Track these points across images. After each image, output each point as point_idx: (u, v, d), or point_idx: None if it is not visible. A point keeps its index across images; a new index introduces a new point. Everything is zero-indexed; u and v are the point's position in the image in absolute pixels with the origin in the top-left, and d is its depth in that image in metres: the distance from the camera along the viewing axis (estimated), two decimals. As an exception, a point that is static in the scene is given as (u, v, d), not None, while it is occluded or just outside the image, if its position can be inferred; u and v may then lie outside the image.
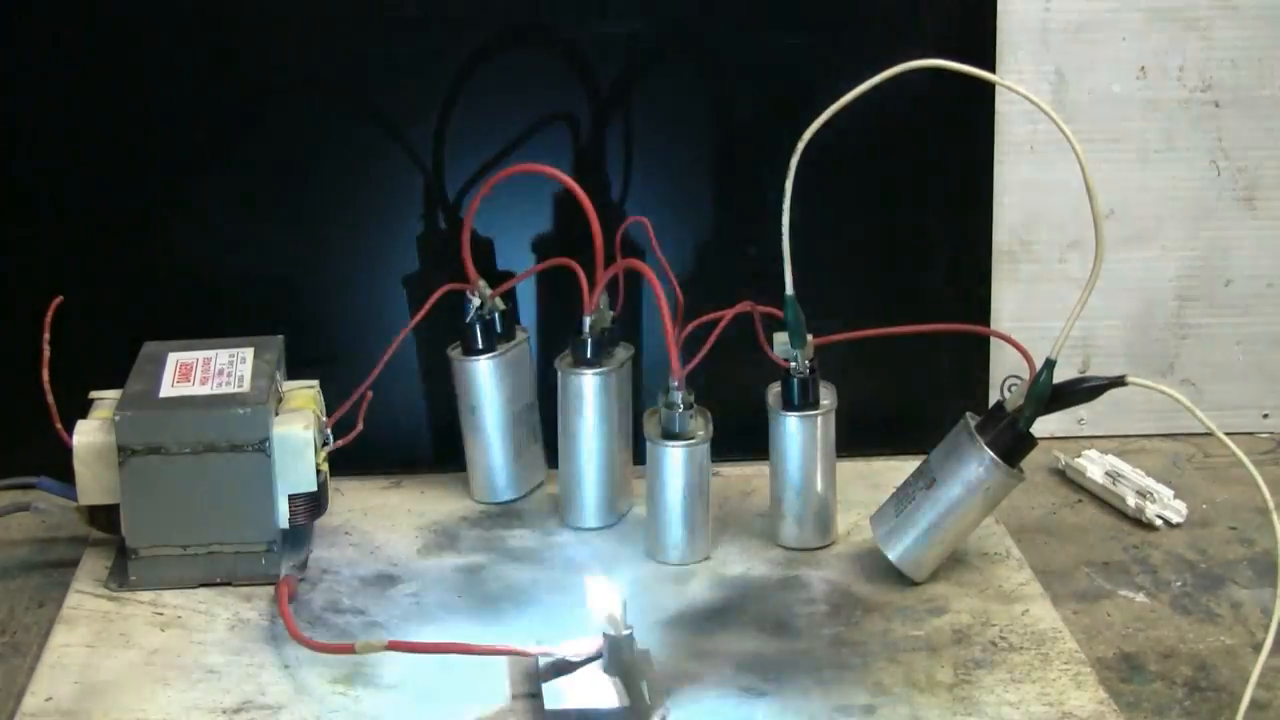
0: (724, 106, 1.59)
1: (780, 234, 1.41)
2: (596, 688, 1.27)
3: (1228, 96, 1.65)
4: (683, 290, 1.50)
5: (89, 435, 1.43)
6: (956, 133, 1.62)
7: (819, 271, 1.48)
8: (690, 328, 1.48)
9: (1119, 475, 1.60)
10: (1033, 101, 1.37)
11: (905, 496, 1.44)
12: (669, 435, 1.47)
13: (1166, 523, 1.56)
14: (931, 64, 1.38)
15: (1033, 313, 1.67)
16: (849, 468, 1.55)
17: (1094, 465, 1.62)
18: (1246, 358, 1.71)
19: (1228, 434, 1.33)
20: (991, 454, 1.40)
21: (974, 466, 1.41)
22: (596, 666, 1.29)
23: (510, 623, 1.40)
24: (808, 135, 1.38)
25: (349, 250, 1.61)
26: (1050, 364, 1.39)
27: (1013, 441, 1.41)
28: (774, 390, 1.50)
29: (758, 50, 1.58)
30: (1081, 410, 1.65)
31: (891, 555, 1.44)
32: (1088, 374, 1.62)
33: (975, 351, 1.65)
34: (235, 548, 1.44)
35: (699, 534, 1.49)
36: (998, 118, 1.62)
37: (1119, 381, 1.40)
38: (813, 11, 1.58)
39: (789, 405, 1.48)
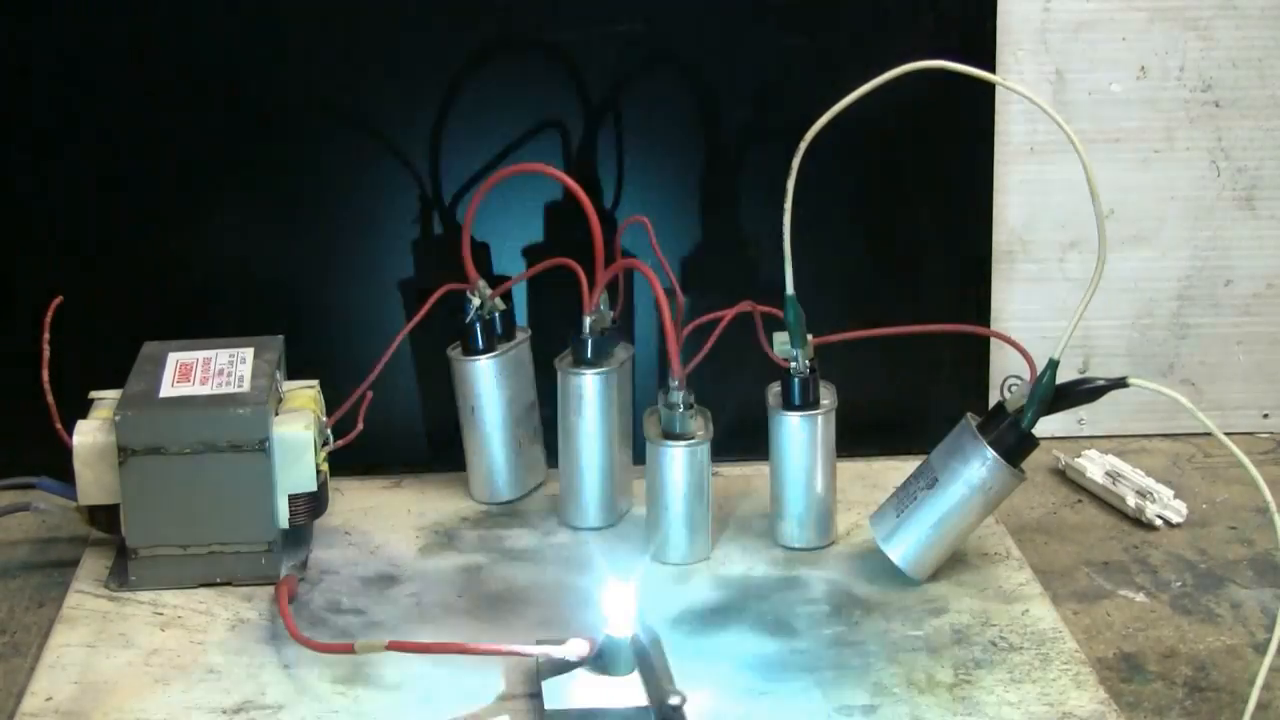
0: (724, 106, 1.59)
1: (781, 233, 1.41)
2: (596, 688, 1.27)
3: (1228, 96, 1.65)
4: (683, 290, 1.50)
5: (89, 435, 1.43)
6: (956, 132, 1.62)
7: (819, 271, 1.48)
8: (690, 328, 1.48)
9: (1119, 475, 1.60)
10: (1033, 100, 1.37)
11: (906, 496, 1.44)
12: (669, 435, 1.47)
13: (1166, 523, 1.56)
14: (934, 65, 1.38)
15: (1033, 313, 1.67)
16: (849, 468, 1.55)
17: (1094, 465, 1.62)
18: (1246, 358, 1.71)
19: (1228, 434, 1.33)
20: (994, 454, 1.40)
21: (977, 466, 1.41)
22: (596, 666, 1.29)
23: (510, 623, 1.40)
24: (810, 135, 1.39)
25: (349, 250, 1.61)
26: (1053, 364, 1.39)
27: (1015, 442, 1.41)
28: (774, 390, 1.49)
29: (757, 50, 1.58)
30: (1081, 410, 1.65)
31: (893, 555, 1.43)
32: (1088, 374, 1.62)
33: (975, 351, 1.65)
34: (235, 548, 1.44)
35: (699, 534, 1.49)
36: (998, 118, 1.62)
37: (1121, 383, 1.40)
38: (812, 11, 1.58)
39: (789, 405, 1.48)
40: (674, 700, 1.23)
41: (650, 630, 1.30)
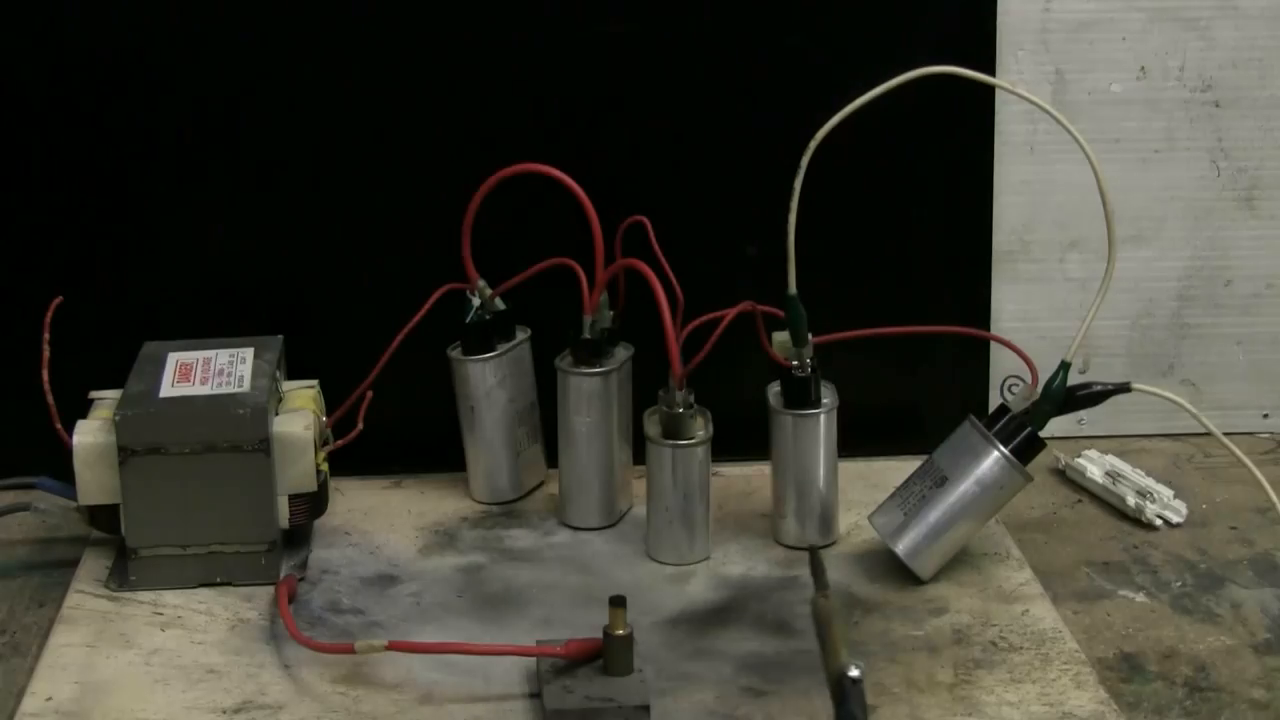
0: (723, 107, 1.59)
1: (782, 233, 1.41)
2: (597, 687, 1.27)
3: (1228, 96, 1.65)
4: (683, 290, 1.50)
5: (89, 435, 1.43)
6: (956, 133, 1.62)
7: (819, 271, 1.48)
8: (690, 328, 1.48)
9: (1119, 475, 1.60)
10: (1046, 110, 1.38)
11: (912, 495, 1.44)
12: (669, 435, 1.47)
13: (1166, 523, 1.56)
14: (943, 70, 1.38)
15: (1033, 313, 1.67)
16: (849, 468, 1.55)
17: (1094, 465, 1.62)
18: (1246, 358, 1.71)
19: (1227, 434, 1.33)
20: (1006, 453, 1.41)
21: (988, 465, 1.41)
22: (597, 666, 1.29)
23: (510, 623, 1.40)
24: (819, 137, 1.39)
25: (349, 250, 1.61)
26: (1065, 366, 1.39)
27: (1026, 442, 1.41)
28: (774, 390, 1.50)
29: (758, 51, 1.58)
30: (1081, 410, 1.65)
31: (901, 553, 1.43)
32: (1090, 377, 1.62)
33: (975, 351, 1.65)
34: (235, 548, 1.44)
35: (699, 534, 1.49)
36: (997, 118, 1.62)
37: (1124, 388, 1.40)
38: (813, 12, 1.58)
39: (789, 405, 1.48)
40: (853, 672, 1.16)
41: (830, 600, 1.25)
